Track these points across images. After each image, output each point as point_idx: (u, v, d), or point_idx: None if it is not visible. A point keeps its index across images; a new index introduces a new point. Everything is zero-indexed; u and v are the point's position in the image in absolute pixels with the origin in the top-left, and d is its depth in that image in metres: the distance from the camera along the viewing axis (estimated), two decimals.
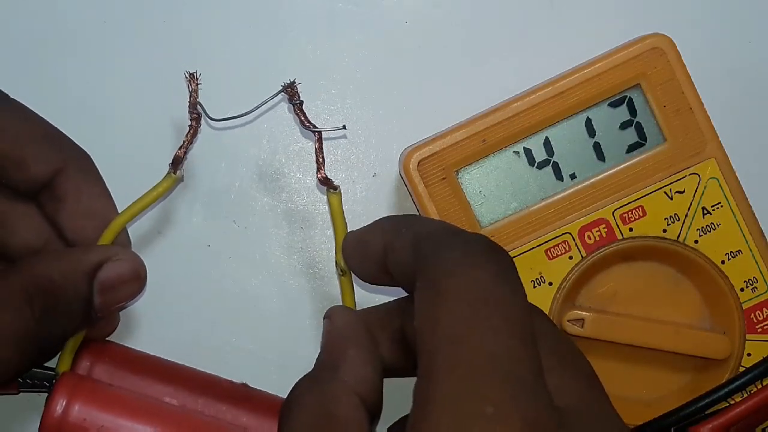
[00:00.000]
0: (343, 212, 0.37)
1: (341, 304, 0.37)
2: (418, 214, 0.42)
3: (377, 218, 0.39)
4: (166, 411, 0.37)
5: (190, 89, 0.37)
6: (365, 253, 0.34)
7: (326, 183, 0.37)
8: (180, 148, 0.37)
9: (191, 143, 0.37)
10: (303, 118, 0.37)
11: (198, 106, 0.37)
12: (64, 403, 0.36)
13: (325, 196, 0.44)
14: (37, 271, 0.34)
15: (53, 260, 0.35)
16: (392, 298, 0.35)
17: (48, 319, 0.34)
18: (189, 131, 0.37)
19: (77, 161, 0.38)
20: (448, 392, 0.25)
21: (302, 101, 0.37)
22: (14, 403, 0.42)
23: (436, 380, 0.25)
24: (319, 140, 0.37)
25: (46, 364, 0.40)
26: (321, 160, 0.37)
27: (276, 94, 0.38)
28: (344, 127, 0.39)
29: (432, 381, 0.26)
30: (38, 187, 0.37)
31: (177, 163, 0.37)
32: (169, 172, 0.37)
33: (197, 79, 0.37)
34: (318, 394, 0.30)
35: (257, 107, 0.39)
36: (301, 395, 0.30)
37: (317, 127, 0.37)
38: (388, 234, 0.32)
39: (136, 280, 0.37)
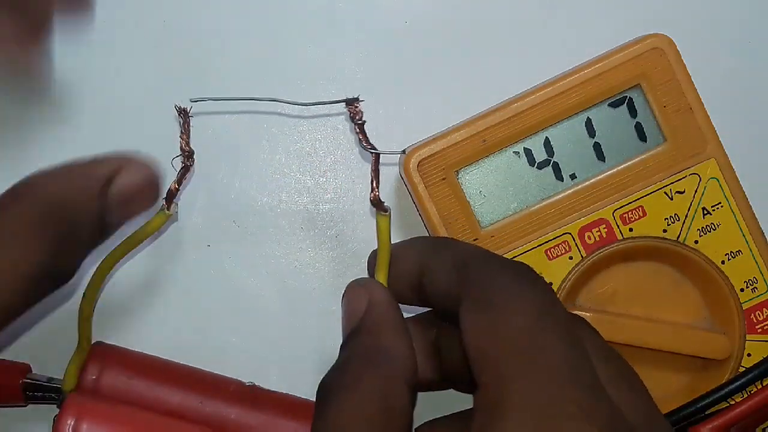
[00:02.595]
0: (390, 235, 0.36)
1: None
2: (418, 214, 0.42)
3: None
4: (173, 427, 0.37)
5: (181, 125, 0.36)
6: (396, 270, 0.35)
7: (378, 205, 0.36)
8: (173, 183, 0.37)
9: (184, 180, 0.37)
10: (363, 138, 0.36)
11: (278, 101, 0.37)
12: (72, 423, 0.36)
13: (326, 196, 0.44)
14: (52, 189, 0.32)
15: (67, 176, 0.33)
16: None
17: (62, 246, 0.32)
18: (181, 169, 0.37)
19: None
20: (527, 394, 0.26)
21: (365, 121, 0.36)
22: (22, 415, 0.42)
23: (510, 384, 0.26)
24: (376, 161, 0.36)
25: (53, 377, 0.41)
26: (376, 181, 0.36)
27: (334, 102, 0.37)
28: (404, 152, 0.39)
29: (504, 385, 0.26)
30: None
31: (170, 199, 0.37)
32: (162, 208, 0.37)
33: (189, 114, 0.36)
34: (374, 381, 0.29)
35: (319, 102, 0.38)
36: (354, 379, 0.30)
37: (376, 149, 0.37)
38: (425, 255, 0.33)
39: (151, 189, 0.34)
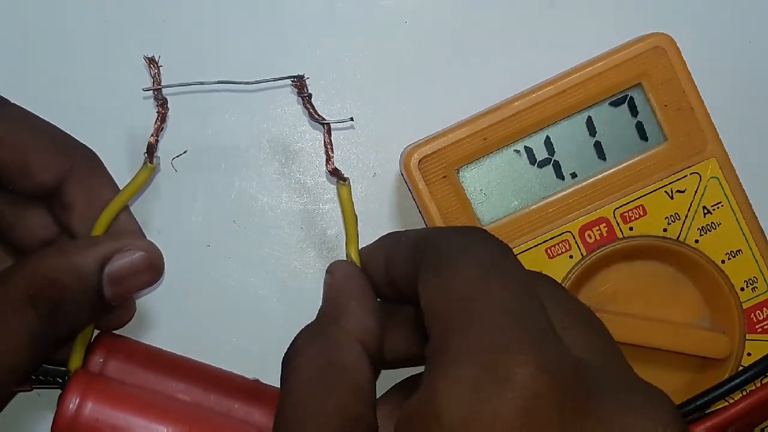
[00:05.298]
0: (353, 204, 0.37)
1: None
2: (419, 213, 0.42)
3: (378, 218, 0.39)
4: (178, 409, 0.37)
5: (152, 74, 0.37)
6: (370, 270, 0.35)
7: (336, 174, 0.37)
8: (151, 136, 0.37)
9: (162, 129, 0.37)
10: (312, 111, 0.38)
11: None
12: (77, 401, 0.35)
13: (326, 196, 0.44)
14: (41, 269, 0.34)
15: (57, 256, 0.35)
16: None
17: (54, 316, 0.34)
18: (157, 117, 0.37)
19: (84, 165, 0.38)
20: (467, 337, 0.27)
21: (310, 94, 0.37)
22: (27, 399, 0.42)
23: (453, 330, 0.27)
24: (328, 132, 0.37)
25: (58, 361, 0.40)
26: (330, 152, 0.37)
27: (280, 79, 0.37)
28: (351, 119, 0.39)
29: (448, 332, 0.27)
30: (46, 193, 0.37)
31: (152, 151, 0.37)
32: (145, 162, 0.37)
33: (157, 63, 0.37)
34: (321, 343, 0.31)
35: (263, 81, 0.39)
36: (304, 345, 0.31)
37: (325, 120, 0.37)
38: (387, 248, 0.34)
39: (150, 269, 0.37)
